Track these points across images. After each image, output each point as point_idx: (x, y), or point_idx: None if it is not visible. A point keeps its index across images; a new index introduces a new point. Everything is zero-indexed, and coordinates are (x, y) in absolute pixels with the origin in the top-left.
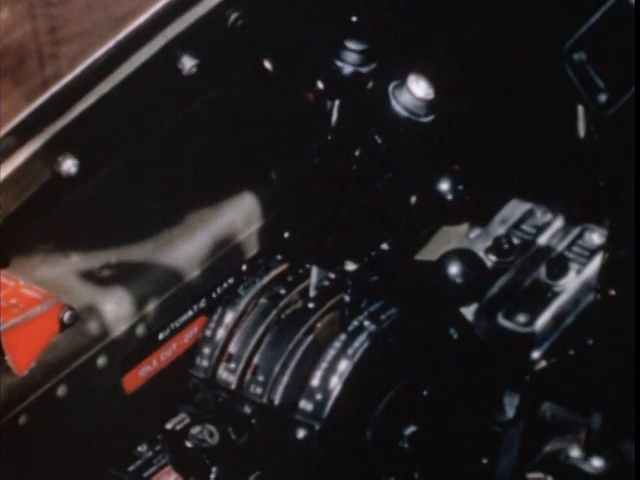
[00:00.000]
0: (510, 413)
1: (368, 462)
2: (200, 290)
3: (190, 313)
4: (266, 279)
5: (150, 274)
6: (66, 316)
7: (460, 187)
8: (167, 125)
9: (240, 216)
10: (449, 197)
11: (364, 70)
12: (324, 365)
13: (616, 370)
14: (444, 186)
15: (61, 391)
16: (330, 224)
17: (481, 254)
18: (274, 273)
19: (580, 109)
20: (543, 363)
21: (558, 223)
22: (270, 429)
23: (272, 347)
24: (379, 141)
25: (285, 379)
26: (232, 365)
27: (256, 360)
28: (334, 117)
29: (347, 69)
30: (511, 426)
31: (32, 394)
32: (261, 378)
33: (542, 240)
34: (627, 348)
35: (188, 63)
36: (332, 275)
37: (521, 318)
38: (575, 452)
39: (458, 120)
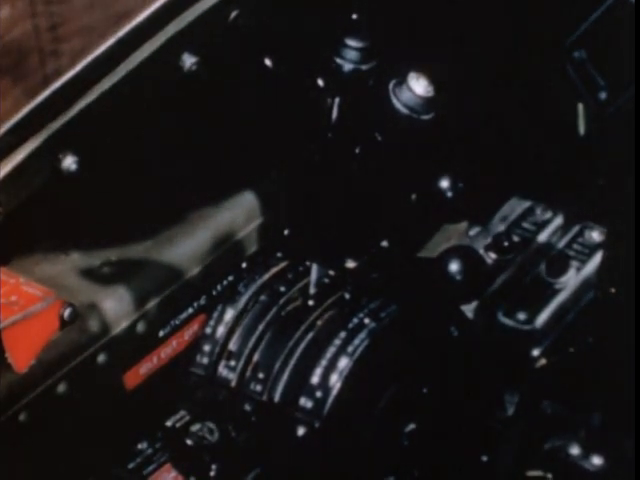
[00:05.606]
0: (510, 411)
1: (368, 460)
2: (200, 287)
3: (190, 310)
4: (266, 276)
5: (150, 271)
6: (66, 313)
7: (460, 185)
8: (167, 122)
9: (240, 213)
10: (449, 194)
11: (364, 67)
12: (324, 363)
13: (616, 368)
14: (444, 184)
15: (61, 389)
16: (330, 221)
17: (481, 251)
18: (274, 270)
19: (580, 107)
20: (543, 361)
21: (558, 221)
22: (270, 427)
23: (272, 344)
24: (379, 139)
25: (285, 377)
26: (232, 362)
27: (256, 357)
28: (334, 115)
29: (347, 66)
30: (511, 424)
31: (32, 392)
32: (261, 375)
33: (542, 237)
34: (627, 346)
35: (189, 61)
36: (332, 272)
37: (521, 315)
38: (575, 450)
39: (458, 118)
